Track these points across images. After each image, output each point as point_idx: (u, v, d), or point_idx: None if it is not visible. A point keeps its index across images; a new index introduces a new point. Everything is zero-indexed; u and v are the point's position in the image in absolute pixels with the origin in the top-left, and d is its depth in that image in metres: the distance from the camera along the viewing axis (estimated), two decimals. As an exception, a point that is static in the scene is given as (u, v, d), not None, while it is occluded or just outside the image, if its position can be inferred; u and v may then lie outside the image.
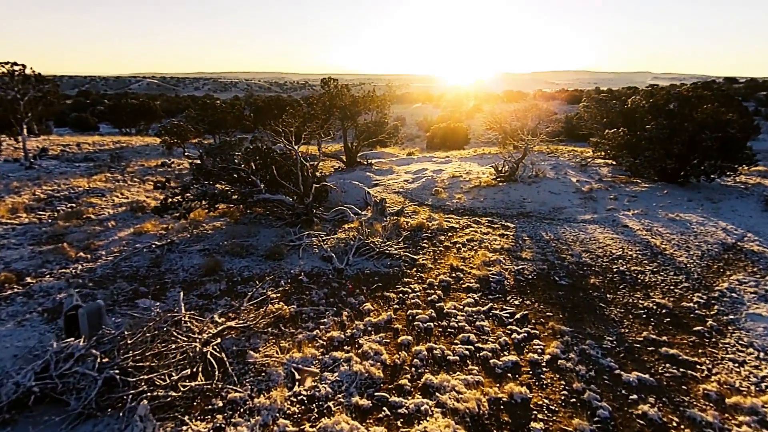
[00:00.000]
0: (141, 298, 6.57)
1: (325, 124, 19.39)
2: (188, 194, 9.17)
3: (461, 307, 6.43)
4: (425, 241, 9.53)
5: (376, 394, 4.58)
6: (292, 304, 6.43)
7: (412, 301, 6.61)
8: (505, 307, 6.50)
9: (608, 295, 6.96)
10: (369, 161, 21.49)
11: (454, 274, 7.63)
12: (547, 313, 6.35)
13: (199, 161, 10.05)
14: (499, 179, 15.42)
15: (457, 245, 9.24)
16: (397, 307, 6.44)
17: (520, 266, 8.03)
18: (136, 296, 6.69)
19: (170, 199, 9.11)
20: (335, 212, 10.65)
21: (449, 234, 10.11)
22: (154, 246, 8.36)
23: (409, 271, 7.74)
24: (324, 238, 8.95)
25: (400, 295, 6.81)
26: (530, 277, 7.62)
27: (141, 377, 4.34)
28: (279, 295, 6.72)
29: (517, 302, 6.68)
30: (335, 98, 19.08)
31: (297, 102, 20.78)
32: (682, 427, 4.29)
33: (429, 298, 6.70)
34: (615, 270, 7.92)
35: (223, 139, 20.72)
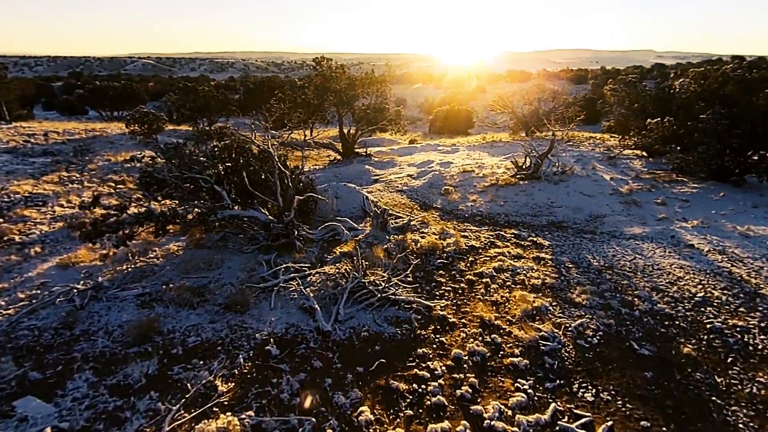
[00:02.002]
0: (25, 396, 4.29)
1: (318, 110, 16.90)
2: (128, 214, 6.80)
3: (509, 412, 4.15)
4: (440, 271, 7.21)
5: None
6: (248, 407, 4.15)
7: (433, 399, 4.32)
8: (575, 409, 4.22)
9: (718, 379, 4.69)
10: (368, 151, 19.03)
11: (488, 337, 5.33)
12: (642, 422, 4.09)
13: (148, 166, 7.65)
14: (519, 176, 13.03)
15: (484, 279, 6.91)
16: (411, 413, 4.15)
17: (577, 320, 5.72)
18: (20, 388, 4.42)
19: (105, 221, 6.75)
20: (325, 230, 8.30)
21: (470, 258, 7.78)
22: (75, 291, 6.03)
23: (424, 331, 5.43)
24: (307, 272, 6.62)
25: (414, 385, 4.52)
26: (596, 341, 5.32)
27: None
28: (231, 386, 4.44)
29: (590, 396, 4.40)
30: (329, 81, 16.51)
31: (293, 83, 18.28)
32: None
33: (458, 392, 4.41)
34: (708, 326, 5.62)
35: (201, 128, 18.23)
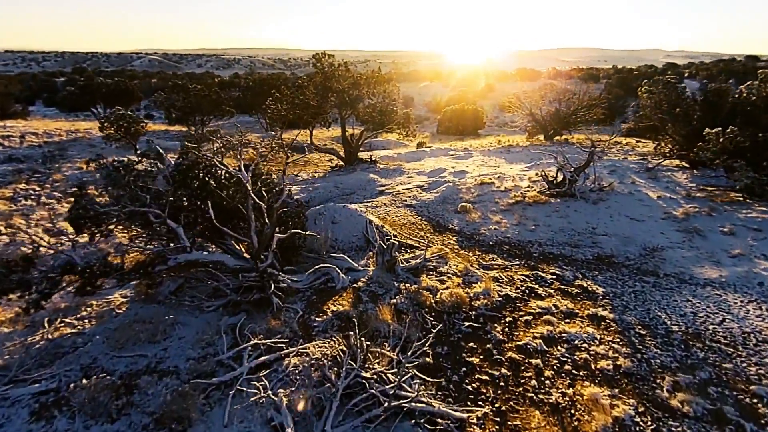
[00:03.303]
0: None
1: (319, 112, 14.94)
2: (38, 270, 4.88)
3: None
4: (470, 342, 5.24)
5: None
6: None
7: None
8: None
9: None
10: (372, 157, 17.05)
11: (556, 489, 3.39)
12: None
13: (78, 194, 5.72)
14: (549, 192, 11.00)
15: (532, 359, 4.93)
16: None
17: (687, 451, 3.76)
18: None
19: (9, 274, 4.83)
20: (314, 274, 6.33)
21: (507, 317, 5.81)
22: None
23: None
24: (283, 353, 4.66)
25: None
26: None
27: None
28: None
29: None
30: (330, 79, 14.51)
31: (295, 81, 16.37)
32: None
33: None
34: None
35: (196, 131, 16.31)
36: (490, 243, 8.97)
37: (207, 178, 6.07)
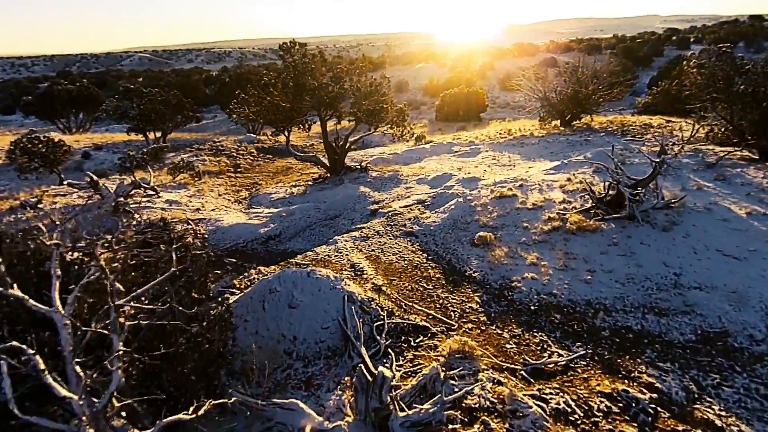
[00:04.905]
0: None
1: (293, 115, 11.86)
2: None
3: None
4: None
5: None
6: None
7: None
8: None
9: None
10: (363, 163, 13.98)
11: None
12: None
13: None
14: (595, 212, 7.98)
15: None
16: None
17: None
18: None
19: None
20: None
21: None
22: None
23: None
24: None
25: None
26: None
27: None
28: None
29: None
30: (302, 75, 11.35)
31: (265, 76, 13.29)
32: None
33: None
34: None
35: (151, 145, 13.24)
36: (531, 307, 6.02)
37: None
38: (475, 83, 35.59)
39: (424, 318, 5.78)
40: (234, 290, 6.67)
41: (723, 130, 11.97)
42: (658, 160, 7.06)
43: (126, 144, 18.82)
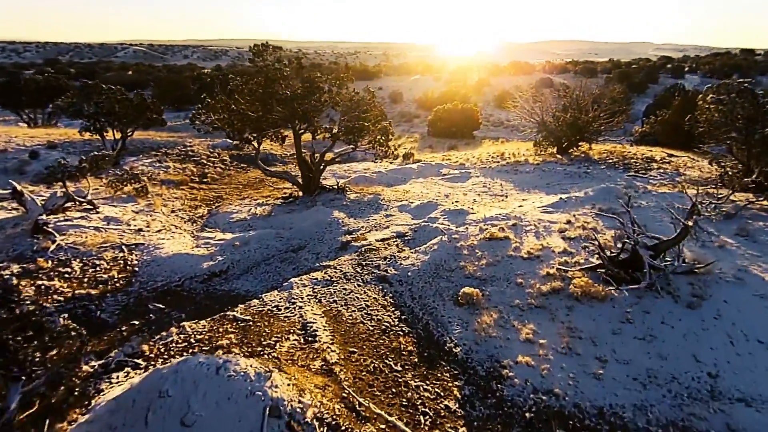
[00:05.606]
0: None
1: (261, 127, 10.29)
2: None
3: None
4: None
5: None
6: None
7: None
8: None
9: None
10: (340, 183, 12.41)
11: None
12: None
13: None
14: (604, 276, 6.51)
15: None
16: None
17: None
18: None
19: None
20: None
21: None
22: None
23: None
24: None
25: None
26: None
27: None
28: None
29: None
30: (273, 83, 9.79)
31: (233, 80, 11.59)
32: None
33: None
34: None
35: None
36: (526, 414, 4.49)
37: None
38: (470, 99, 34.37)
39: (384, 430, 4.20)
40: (138, 361, 5.04)
41: (738, 174, 10.69)
42: (689, 222, 5.59)
43: (85, 143, 17.02)
